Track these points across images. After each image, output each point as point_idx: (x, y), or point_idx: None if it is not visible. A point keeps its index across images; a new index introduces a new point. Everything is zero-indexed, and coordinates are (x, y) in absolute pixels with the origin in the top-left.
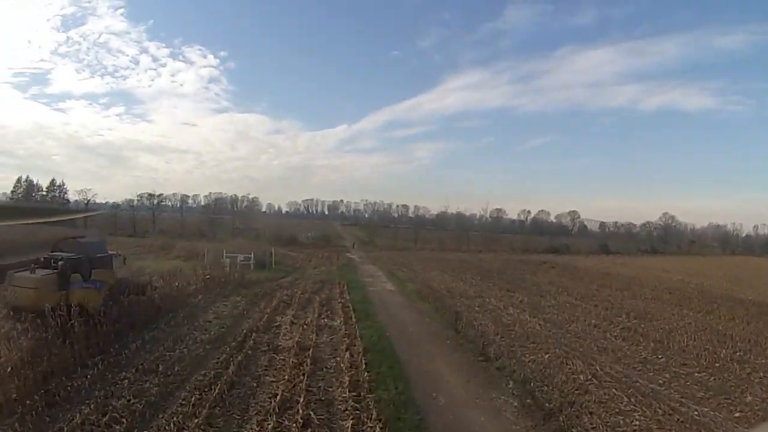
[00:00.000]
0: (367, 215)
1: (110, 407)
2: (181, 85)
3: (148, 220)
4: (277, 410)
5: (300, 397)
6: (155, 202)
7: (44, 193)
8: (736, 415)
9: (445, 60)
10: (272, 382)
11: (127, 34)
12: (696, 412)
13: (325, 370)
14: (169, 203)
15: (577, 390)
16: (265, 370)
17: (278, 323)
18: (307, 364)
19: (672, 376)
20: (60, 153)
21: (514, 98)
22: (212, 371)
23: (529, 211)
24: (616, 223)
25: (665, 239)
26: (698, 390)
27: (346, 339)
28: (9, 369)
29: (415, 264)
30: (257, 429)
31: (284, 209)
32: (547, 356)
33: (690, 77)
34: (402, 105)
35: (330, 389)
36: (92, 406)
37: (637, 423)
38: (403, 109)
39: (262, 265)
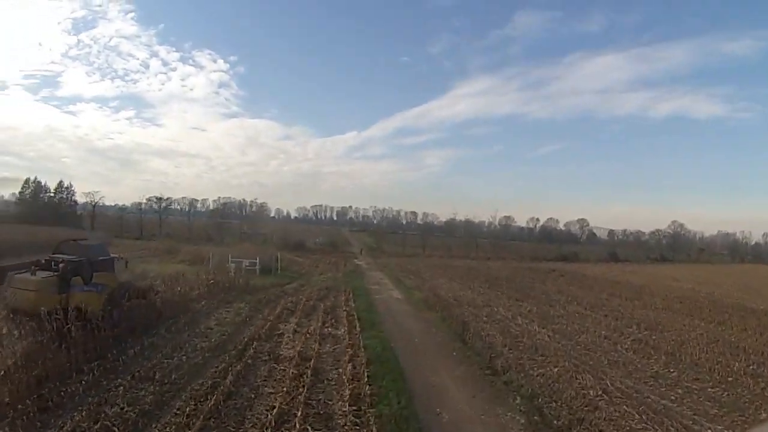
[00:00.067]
0: (375, 221)
1: (103, 415)
2: (192, 89)
3: (156, 223)
4: (274, 424)
5: (298, 410)
6: (162, 205)
7: (52, 194)
8: None
9: (454, 66)
10: (271, 393)
11: (138, 38)
12: (710, 431)
13: (326, 381)
14: (178, 207)
15: (586, 407)
16: (265, 380)
17: (281, 331)
18: (307, 376)
19: (684, 391)
20: (70, 156)
21: (524, 105)
22: (210, 380)
23: (537, 219)
24: (625, 230)
25: (674, 247)
26: (711, 406)
27: (349, 349)
28: (2, 372)
29: (423, 271)
30: None
31: (293, 215)
32: (556, 370)
33: (698, 83)
34: (412, 112)
35: (330, 402)
36: (84, 413)
37: None
38: (413, 116)
39: (268, 270)
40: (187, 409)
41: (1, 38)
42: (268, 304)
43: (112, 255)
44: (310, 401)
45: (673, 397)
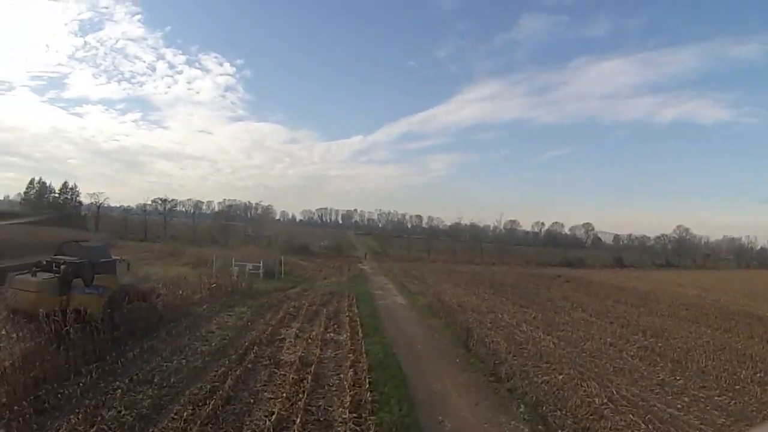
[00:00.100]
0: (381, 225)
1: (99, 418)
2: (198, 92)
3: (160, 225)
4: (272, 430)
5: (297, 416)
6: (167, 207)
7: (56, 195)
8: None
9: (460, 71)
10: (270, 398)
11: (144, 41)
12: None
13: (326, 387)
14: (183, 209)
15: (591, 415)
16: (264, 385)
17: (282, 336)
18: (308, 381)
19: (691, 399)
20: (76, 157)
21: (530, 110)
22: (209, 385)
23: (543, 223)
24: (630, 235)
25: (679, 252)
26: (719, 416)
27: (351, 355)
28: None
29: (428, 276)
30: None
31: (298, 217)
32: (560, 377)
33: (704, 88)
34: (417, 116)
35: (330, 409)
36: (81, 415)
37: None
38: (419, 120)
39: (272, 274)
40: (185, 413)
41: (8, 39)
42: (271, 308)
43: (113, 257)
44: (309, 407)
45: (679, 406)
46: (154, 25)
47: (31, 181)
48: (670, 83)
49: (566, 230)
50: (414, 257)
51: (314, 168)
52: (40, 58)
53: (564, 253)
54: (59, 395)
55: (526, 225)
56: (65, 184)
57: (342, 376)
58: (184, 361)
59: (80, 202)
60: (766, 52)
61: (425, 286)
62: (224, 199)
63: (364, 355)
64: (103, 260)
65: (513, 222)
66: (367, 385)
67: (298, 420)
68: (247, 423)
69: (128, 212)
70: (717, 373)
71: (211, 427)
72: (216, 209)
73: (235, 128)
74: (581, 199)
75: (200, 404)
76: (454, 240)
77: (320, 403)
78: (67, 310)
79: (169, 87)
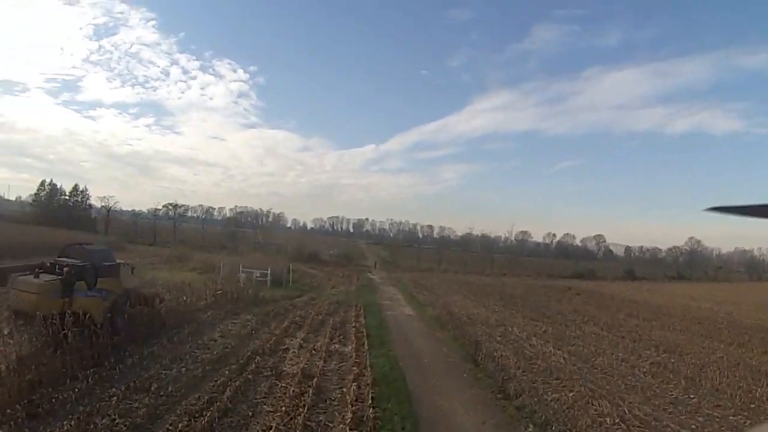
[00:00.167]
0: (392, 234)
1: (92, 426)
2: (211, 98)
3: (170, 230)
4: None
5: None
6: (176, 212)
7: (66, 197)
8: None
9: (473, 80)
10: (269, 412)
11: (158, 46)
12: None
13: (328, 402)
14: (194, 215)
15: None
16: (264, 397)
17: (286, 346)
18: (309, 394)
19: (705, 419)
20: (89, 160)
21: (542, 121)
22: (207, 395)
23: (554, 234)
24: (641, 247)
25: (691, 264)
26: None
27: (355, 368)
28: None
29: (437, 287)
30: None
31: (309, 225)
32: (571, 395)
33: (716, 98)
34: (429, 126)
35: (330, 424)
36: (74, 422)
37: None
38: (431, 130)
39: (279, 282)
40: (180, 425)
41: (23, 42)
42: (276, 317)
43: (117, 261)
44: (309, 422)
45: (693, 426)
46: (168, 31)
47: (42, 183)
48: (682, 93)
49: (577, 242)
50: (424, 267)
51: (326, 176)
52: (54, 60)
53: (575, 265)
54: (53, 400)
55: (538, 236)
56: (76, 187)
57: (344, 389)
58: (183, 369)
59: (90, 205)
60: None
61: (435, 297)
62: (235, 206)
63: (369, 368)
64: (106, 264)
65: (524, 233)
66: (370, 401)
67: None
68: None
69: (138, 216)
70: (731, 391)
71: None
72: (227, 216)
73: (248, 135)
74: (592, 210)
75: (196, 415)
76: (465, 250)
77: (320, 419)
78: (66, 313)
79: (182, 92)
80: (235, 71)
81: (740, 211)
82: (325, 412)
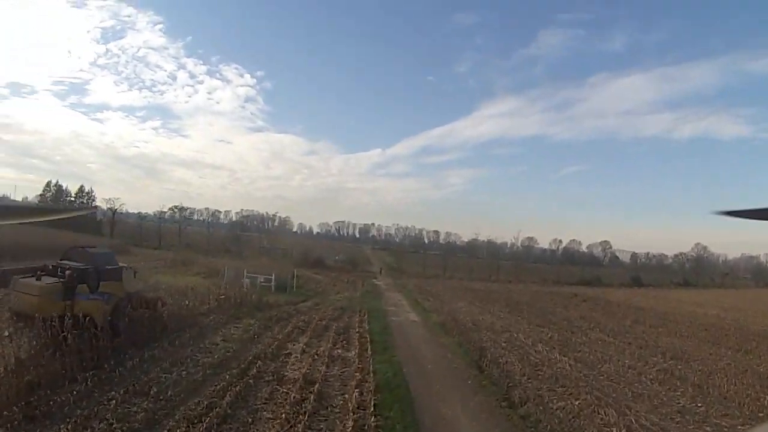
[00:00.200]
0: (398, 240)
1: (89, 429)
2: (218, 102)
3: (175, 233)
4: None
5: None
6: (181, 215)
7: (72, 198)
8: None
9: (479, 86)
10: (269, 419)
11: (165, 50)
12: None
13: (329, 408)
14: (200, 218)
15: None
16: (265, 403)
17: (288, 351)
18: (310, 401)
19: (713, 429)
20: (96, 162)
21: (548, 126)
22: (207, 400)
23: (560, 241)
24: (647, 253)
25: (697, 271)
26: None
27: (357, 374)
28: None
29: (443, 293)
30: None
31: (315, 230)
32: (577, 403)
33: (723, 104)
34: (436, 131)
35: None
36: (71, 425)
37: None
38: (438, 135)
39: (284, 287)
40: (178, 430)
41: (31, 44)
42: (279, 322)
43: (120, 264)
44: (309, 430)
45: None
46: (175, 35)
47: (48, 184)
48: (689, 99)
49: (584, 248)
50: (430, 274)
51: (332, 180)
52: (62, 63)
53: (581, 271)
54: (52, 402)
55: (544, 242)
56: (81, 188)
57: (347, 396)
58: (184, 373)
59: (96, 207)
60: None
61: (440, 303)
62: (241, 209)
63: (372, 375)
64: (109, 267)
65: (530, 239)
66: (372, 408)
67: None
68: None
69: (144, 219)
70: (739, 399)
71: None
72: (233, 219)
73: (254, 138)
74: (599, 215)
75: (195, 421)
76: (471, 257)
77: (321, 426)
78: (66, 316)
79: (189, 96)
80: (242, 76)
81: (751, 214)
82: (326, 420)
